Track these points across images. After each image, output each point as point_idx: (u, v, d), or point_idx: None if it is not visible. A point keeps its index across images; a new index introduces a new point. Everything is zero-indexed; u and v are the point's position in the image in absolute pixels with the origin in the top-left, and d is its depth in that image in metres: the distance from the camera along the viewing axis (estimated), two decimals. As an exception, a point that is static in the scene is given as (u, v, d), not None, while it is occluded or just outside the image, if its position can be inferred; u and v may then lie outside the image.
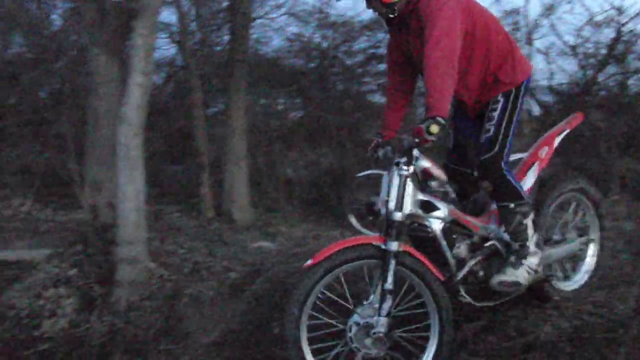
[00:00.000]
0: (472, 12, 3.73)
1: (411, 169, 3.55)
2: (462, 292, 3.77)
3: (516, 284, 3.76)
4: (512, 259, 3.81)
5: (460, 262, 3.77)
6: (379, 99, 11.59)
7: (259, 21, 10.81)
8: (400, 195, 3.51)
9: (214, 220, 8.08)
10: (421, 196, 3.64)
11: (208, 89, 10.84)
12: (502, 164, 3.75)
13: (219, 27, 12.44)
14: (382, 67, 11.30)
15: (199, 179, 8.43)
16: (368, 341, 3.41)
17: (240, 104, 8.16)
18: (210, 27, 11.54)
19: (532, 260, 3.82)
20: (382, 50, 11.20)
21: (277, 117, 11.94)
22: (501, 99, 3.83)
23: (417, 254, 3.55)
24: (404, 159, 3.55)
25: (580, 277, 4.38)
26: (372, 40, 11.51)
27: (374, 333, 3.38)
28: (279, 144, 10.20)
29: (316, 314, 3.48)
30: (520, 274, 3.77)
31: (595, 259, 4.41)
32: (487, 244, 3.88)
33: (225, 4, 12.14)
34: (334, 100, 11.07)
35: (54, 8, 14.26)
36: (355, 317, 3.47)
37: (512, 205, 3.78)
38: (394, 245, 3.43)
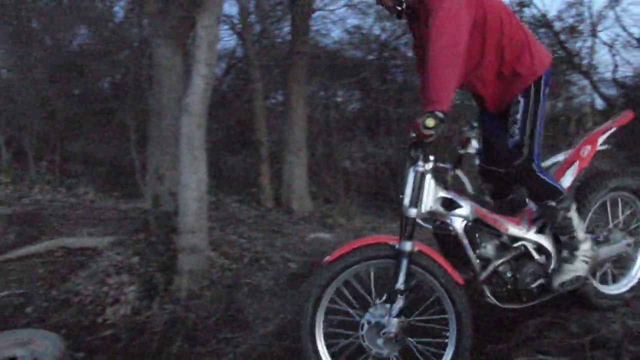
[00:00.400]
0: (482, 2, 3.57)
1: (429, 165, 3.45)
2: (487, 293, 3.67)
3: (578, 279, 3.67)
4: (565, 253, 3.74)
5: (486, 262, 3.65)
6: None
7: (318, 13, 10.82)
8: (415, 192, 3.43)
9: (272, 210, 8.12)
10: (443, 193, 3.55)
11: (268, 80, 10.90)
12: (534, 166, 3.65)
13: (279, 18, 12.50)
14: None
15: (259, 170, 8.48)
16: (379, 341, 3.38)
17: (300, 96, 8.17)
18: (270, 18, 11.58)
19: (585, 247, 3.72)
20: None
21: (335, 108, 11.93)
22: (521, 99, 3.68)
23: (433, 254, 3.48)
24: (420, 155, 3.44)
25: (628, 281, 4.19)
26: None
27: (384, 333, 3.35)
28: (337, 135, 10.19)
29: (336, 306, 3.47)
30: (578, 266, 3.69)
31: None
32: (516, 245, 3.75)
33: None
34: (394, 92, 11.02)
35: (117, 0, 14.50)
36: (368, 315, 3.44)
37: (552, 202, 3.67)
38: (407, 245, 3.36)
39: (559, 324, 3.88)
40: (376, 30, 12.12)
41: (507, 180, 3.95)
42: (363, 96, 12.22)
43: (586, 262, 3.68)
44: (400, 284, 3.33)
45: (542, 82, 3.69)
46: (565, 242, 3.74)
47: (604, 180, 4.02)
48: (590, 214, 3.94)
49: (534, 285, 3.69)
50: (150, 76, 10.09)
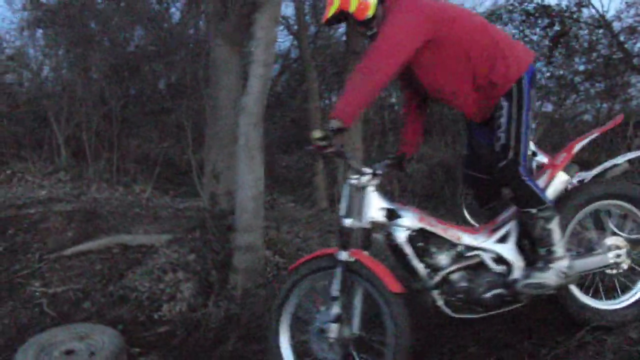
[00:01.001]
0: (444, 19, 3.60)
1: (365, 177, 3.56)
2: (439, 302, 3.66)
3: (542, 285, 3.59)
4: (540, 264, 3.64)
5: (436, 271, 3.64)
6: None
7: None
8: (349, 203, 3.55)
9: (327, 210, 8.12)
10: (385, 204, 3.63)
11: (321, 80, 10.92)
12: (520, 169, 3.58)
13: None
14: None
15: (313, 170, 8.49)
16: (324, 345, 3.51)
17: (355, 96, 8.17)
18: (318, 19, 11.61)
19: (562, 264, 3.60)
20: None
21: (390, 109, 11.92)
22: (505, 103, 3.64)
23: (371, 263, 3.52)
24: (354, 168, 3.59)
25: (630, 296, 3.83)
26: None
27: (326, 338, 3.49)
28: (392, 135, 10.17)
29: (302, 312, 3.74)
30: (548, 276, 3.60)
31: None
32: (471, 254, 3.72)
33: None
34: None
35: (173, 2, 14.67)
36: (316, 321, 3.60)
37: (534, 210, 3.60)
38: (342, 255, 3.47)
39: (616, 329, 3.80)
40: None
41: (490, 188, 3.97)
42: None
43: (559, 276, 3.60)
44: (335, 291, 3.48)
45: (524, 83, 3.65)
46: (541, 255, 3.65)
47: (586, 190, 3.82)
48: (572, 226, 3.78)
49: (488, 295, 3.65)
50: (206, 77, 10.23)
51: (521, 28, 11.28)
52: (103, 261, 6.22)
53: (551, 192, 3.73)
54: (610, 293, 3.85)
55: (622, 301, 3.81)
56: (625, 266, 3.76)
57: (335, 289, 3.49)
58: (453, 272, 3.65)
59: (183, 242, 5.80)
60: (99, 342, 4.42)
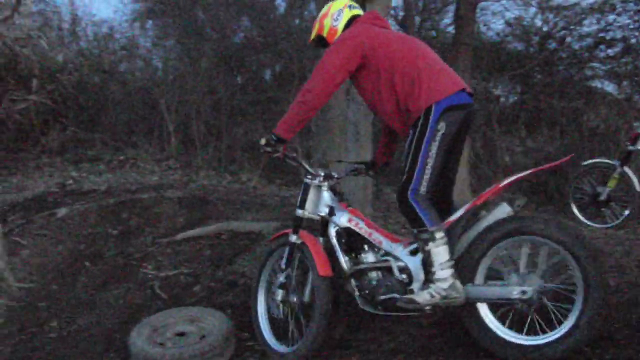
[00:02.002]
0: (375, 46, 4.06)
1: (318, 179, 4.40)
2: (355, 294, 4.24)
3: (412, 301, 3.91)
4: (422, 281, 3.97)
5: (356, 265, 4.26)
6: (605, 85, 11.19)
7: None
8: (302, 198, 4.41)
9: (431, 203, 8.08)
10: (330, 202, 4.39)
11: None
12: (408, 192, 3.90)
13: (439, 10, 12.40)
14: (611, 52, 10.87)
15: (419, 161, 8.45)
16: (275, 305, 4.51)
17: (463, 88, 8.07)
18: (431, 9, 11.51)
19: (440, 285, 3.84)
20: (612, 34, 10.77)
21: (496, 101, 11.73)
22: (411, 131, 3.94)
23: (312, 246, 4.33)
24: (307, 170, 4.43)
25: (554, 334, 3.67)
26: (602, 23, 11.07)
27: (274, 300, 4.51)
28: (497, 129, 10.01)
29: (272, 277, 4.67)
30: (421, 295, 3.89)
31: (575, 315, 3.62)
32: (384, 258, 4.17)
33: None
34: (557, 85, 10.71)
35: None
36: (272, 286, 4.58)
37: (415, 231, 3.92)
38: (292, 237, 4.40)
39: None
40: (538, 22, 11.85)
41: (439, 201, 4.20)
42: (524, 89, 11.95)
43: (432, 296, 3.84)
44: (283, 264, 4.46)
45: (432, 114, 3.86)
46: (426, 274, 3.94)
47: (505, 224, 3.81)
48: (489, 255, 3.86)
49: (384, 297, 4.05)
50: (312, 66, 10.28)
51: (636, 18, 10.91)
52: (212, 247, 6.37)
53: (491, 218, 3.89)
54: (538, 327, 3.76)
55: (540, 338, 3.72)
56: (536, 302, 3.75)
57: (283, 262, 4.46)
58: (370, 270, 4.20)
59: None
60: (209, 325, 4.52)
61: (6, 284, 5.82)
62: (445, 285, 3.84)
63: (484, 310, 3.91)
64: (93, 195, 8.36)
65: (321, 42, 4.52)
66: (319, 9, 6.68)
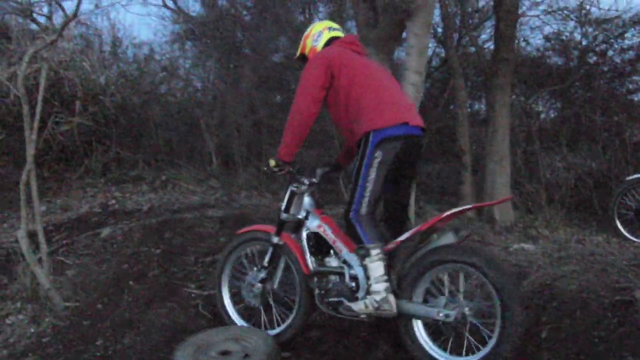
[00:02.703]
0: (340, 65, 4.54)
1: (302, 187, 4.89)
2: (315, 292, 4.76)
3: (349, 309, 4.49)
4: (363, 293, 4.51)
5: (320, 266, 4.80)
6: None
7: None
8: (288, 204, 4.96)
9: (474, 219, 8.02)
10: (308, 207, 4.93)
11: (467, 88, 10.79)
12: (350, 212, 4.46)
13: (476, 26, 12.36)
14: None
15: (461, 178, 8.40)
16: (251, 295, 5.12)
17: (504, 104, 8.01)
18: (469, 25, 11.48)
19: (374, 297, 4.32)
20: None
21: (536, 117, 11.64)
22: (356, 155, 4.50)
23: (293, 247, 4.94)
24: (294, 178, 4.92)
25: (480, 352, 4.09)
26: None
27: (252, 291, 5.11)
28: (538, 144, 9.92)
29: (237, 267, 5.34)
30: (357, 305, 4.43)
31: (496, 335, 3.99)
32: (341, 265, 4.70)
33: (488, 1, 12.07)
34: (598, 100, 10.60)
35: (316, 13, 14.86)
36: (249, 277, 5.16)
37: (356, 246, 4.48)
38: (275, 238, 4.97)
39: None
40: (577, 36, 11.77)
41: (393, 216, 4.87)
42: (564, 104, 11.86)
43: (367, 307, 4.36)
44: (265, 262, 5.05)
45: (370, 140, 4.37)
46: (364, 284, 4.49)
47: (438, 252, 4.29)
48: (427, 277, 4.31)
49: (333, 300, 4.62)
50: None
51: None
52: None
53: (434, 244, 4.38)
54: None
55: (463, 358, 4.18)
56: (459, 323, 4.16)
57: (266, 260, 5.05)
58: (330, 273, 4.73)
59: (332, 248, 5.87)
60: (253, 344, 4.52)
61: (52, 303, 5.90)
62: (378, 297, 4.31)
63: (418, 326, 4.35)
64: (136, 215, 8.44)
65: (304, 60, 5.00)
66: (360, 30, 6.78)
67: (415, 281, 4.33)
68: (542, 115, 12.35)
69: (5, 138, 10.18)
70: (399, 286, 4.41)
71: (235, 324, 5.24)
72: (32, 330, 5.73)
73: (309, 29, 5.22)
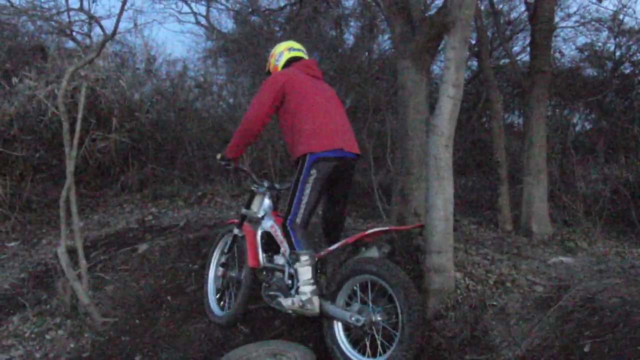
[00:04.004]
0: (292, 89, 5.18)
1: (261, 188, 5.79)
2: (263, 283, 5.50)
3: (278, 304, 5.16)
4: (293, 289, 5.11)
5: (269, 262, 5.52)
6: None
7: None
8: (249, 201, 5.86)
9: (511, 233, 7.95)
10: (266, 208, 5.72)
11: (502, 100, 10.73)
12: (287, 221, 5.07)
13: (509, 37, 12.32)
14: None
15: (497, 191, 8.33)
16: (217, 276, 6.11)
17: (540, 116, 7.94)
18: (504, 37, 11.43)
19: (300, 297, 4.88)
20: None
21: (572, 129, 11.55)
22: (299, 176, 5.05)
23: (249, 242, 5.63)
24: (254, 180, 5.88)
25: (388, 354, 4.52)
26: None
27: (217, 274, 6.11)
28: (574, 156, 9.82)
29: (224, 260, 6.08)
30: (286, 301, 5.03)
31: (397, 341, 4.49)
32: (283, 264, 5.35)
33: (521, 12, 12.03)
34: (635, 110, 10.48)
35: (348, 27, 14.90)
36: (216, 261, 6.22)
37: (289, 251, 5.10)
38: (236, 230, 5.88)
39: None
40: (611, 46, 11.67)
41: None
42: (600, 115, 11.74)
43: (293, 304, 4.94)
44: (226, 249, 6.02)
45: (306, 161, 5.00)
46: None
47: (354, 264, 4.88)
48: (346, 285, 4.89)
49: (271, 293, 5.30)
50: (387, 99, 10.29)
51: None
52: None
53: (360, 256, 5.04)
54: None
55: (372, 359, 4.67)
56: (368, 327, 4.67)
57: (226, 248, 6.01)
58: (275, 269, 5.40)
59: (370, 263, 5.86)
60: (292, 359, 4.51)
61: (91, 318, 5.95)
62: (304, 298, 4.85)
63: (338, 328, 4.87)
64: (172, 231, 8.49)
65: (269, 75, 5.61)
66: (396, 44, 6.79)
67: (339, 286, 4.89)
68: (578, 127, 12.24)
69: (43, 155, 10.29)
70: (327, 289, 5.02)
71: (209, 307, 6.01)
72: (72, 345, 5.78)
73: (274, 49, 5.84)
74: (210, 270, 6.19)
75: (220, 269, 6.01)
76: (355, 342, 4.83)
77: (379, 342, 4.61)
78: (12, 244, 9.26)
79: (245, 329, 5.66)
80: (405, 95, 6.57)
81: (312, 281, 4.88)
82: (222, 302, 6.05)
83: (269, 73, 5.74)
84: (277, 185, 5.82)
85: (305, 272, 4.89)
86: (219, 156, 5.67)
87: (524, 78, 8.15)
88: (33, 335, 5.93)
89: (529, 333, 4.57)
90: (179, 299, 6.30)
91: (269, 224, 5.56)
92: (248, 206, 5.82)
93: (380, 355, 4.59)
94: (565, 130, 11.18)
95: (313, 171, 4.99)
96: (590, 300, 4.73)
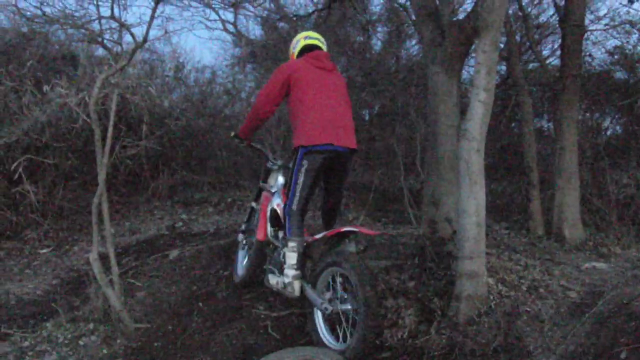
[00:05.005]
0: (296, 80, 5.52)
1: (275, 165, 6.29)
2: (268, 255, 5.99)
3: (267, 280, 5.79)
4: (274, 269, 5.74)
5: (274, 238, 5.90)
6: None
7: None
8: (264, 176, 6.44)
9: (543, 238, 7.88)
10: (279, 185, 6.08)
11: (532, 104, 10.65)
12: (285, 209, 5.53)
13: (537, 42, 12.22)
14: None
15: (528, 196, 8.27)
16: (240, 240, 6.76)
17: (571, 120, 7.87)
18: (532, 41, 11.35)
19: (284, 279, 5.44)
20: None
21: (603, 133, 11.44)
22: (295, 164, 5.45)
23: (261, 216, 6.12)
24: (268, 157, 6.47)
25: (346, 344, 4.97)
26: None
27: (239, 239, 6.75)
28: (606, 160, 9.73)
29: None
30: (272, 279, 5.68)
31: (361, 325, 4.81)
32: (282, 242, 5.66)
33: (550, 16, 11.94)
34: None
35: (375, 32, 14.89)
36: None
37: (280, 235, 5.72)
38: (253, 204, 6.57)
39: None
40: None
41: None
42: (632, 119, 11.61)
43: (277, 283, 5.57)
44: (245, 219, 6.75)
45: (299, 152, 5.37)
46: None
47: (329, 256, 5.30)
48: (324, 274, 5.27)
49: (269, 267, 5.82)
50: (416, 104, 10.27)
51: None
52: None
53: (340, 248, 5.39)
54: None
55: (342, 344, 5.05)
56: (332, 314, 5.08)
57: (246, 217, 6.66)
58: (277, 246, 5.81)
59: (402, 269, 5.81)
60: (324, 366, 4.50)
61: (123, 324, 5.97)
62: (286, 280, 5.38)
63: (318, 314, 5.24)
64: (203, 237, 8.54)
65: None
66: (426, 49, 6.78)
67: (319, 274, 5.28)
68: (609, 131, 12.12)
69: (74, 162, 10.38)
70: (312, 273, 5.41)
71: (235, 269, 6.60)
72: (105, 351, 5.80)
73: (295, 37, 6.18)
74: (240, 238, 6.72)
75: (241, 235, 6.66)
76: (333, 329, 5.21)
77: (347, 329, 5.02)
78: (45, 250, 9.36)
79: (277, 335, 5.64)
80: (436, 100, 6.55)
81: (296, 266, 5.36)
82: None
83: None
84: (290, 165, 5.88)
85: (291, 257, 5.39)
86: (232, 134, 6.21)
87: (555, 82, 8.10)
88: (67, 341, 5.96)
89: (564, 340, 4.51)
90: (211, 305, 6.30)
91: (276, 203, 5.92)
92: (265, 181, 6.31)
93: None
94: (597, 134, 11.07)
95: (304, 162, 5.38)
96: (625, 307, 4.67)
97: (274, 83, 5.61)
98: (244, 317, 5.99)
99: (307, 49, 5.91)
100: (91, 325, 6.16)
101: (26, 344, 6.01)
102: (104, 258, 6.32)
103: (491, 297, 4.98)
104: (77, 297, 7.07)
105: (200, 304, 6.34)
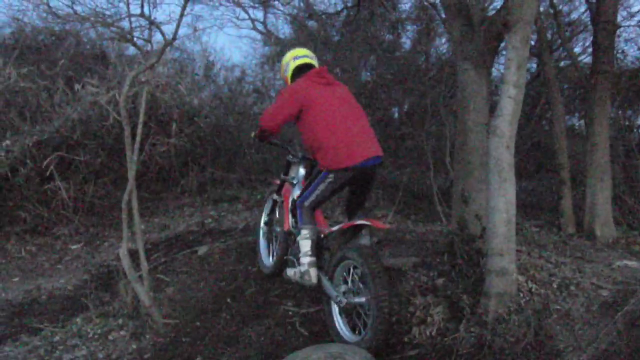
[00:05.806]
0: (310, 104, 5.44)
1: (296, 159, 6.29)
2: (290, 244, 6.06)
3: (286, 273, 5.82)
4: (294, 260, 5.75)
5: (293, 228, 5.89)
6: None
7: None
8: (286, 169, 6.39)
9: (574, 236, 7.80)
10: (299, 177, 6.17)
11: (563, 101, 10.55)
12: (297, 203, 5.68)
13: (569, 39, 12.11)
14: None
15: (560, 194, 8.20)
16: (261, 232, 6.99)
17: (603, 118, 7.80)
18: (564, 38, 11.25)
19: (299, 268, 5.51)
20: None
21: (633, 129, 11.31)
22: (320, 172, 5.48)
23: (285, 208, 6.17)
24: (290, 152, 6.42)
25: (361, 337, 5.01)
26: None
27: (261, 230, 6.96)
28: (638, 158, 9.62)
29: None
30: (289, 270, 5.73)
31: (374, 317, 4.83)
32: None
33: (581, 13, 11.83)
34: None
35: (404, 31, 14.85)
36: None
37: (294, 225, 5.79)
38: (274, 196, 6.67)
39: None
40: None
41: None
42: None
43: (294, 274, 5.61)
44: (267, 211, 6.89)
45: (330, 174, 5.38)
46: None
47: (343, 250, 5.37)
48: (341, 266, 5.32)
49: (289, 257, 5.91)
50: (446, 101, 10.23)
51: None
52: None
53: (356, 241, 5.44)
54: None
55: (356, 337, 5.09)
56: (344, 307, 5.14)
57: (269, 209, 6.82)
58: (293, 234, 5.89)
59: (431, 266, 5.79)
60: (353, 363, 4.48)
61: (152, 320, 5.99)
62: (302, 269, 5.45)
63: (334, 306, 5.27)
64: (232, 234, 8.56)
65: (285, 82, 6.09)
66: (456, 45, 6.74)
67: (335, 266, 5.34)
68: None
69: (105, 159, 10.46)
70: (329, 264, 5.46)
71: (261, 257, 6.78)
72: (134, 346, 5.83)
73: (283, 58, 6.16)
74: (260, 229, 6.92)
75: (265, 227, 6.84)
76: (352, 322, 5.23)
77: (363, 322, 5.04)
78: (75, 246, 9.45)
79: (304, 331, 5.64)
80: (466, 97, 6.52)
81: (310, 253, 5.44)
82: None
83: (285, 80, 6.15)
84: (309, 157, 6.08)
85: (304, 244, 5.47)
86: (252, 134, 6.30)
87: (586, 79, 8.01)
88: (96, 336, 6.01)
89: (595, 339, 4.46)
90: (239, 301, 6.31)
91: (296, 194, 5.94)
92: (286, 173, 6.34)
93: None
94: (629, 132, 10.95)
95: (330, 176, 5.41)
96: (659, 306, 4.62)
97: (282, 106, 5.58)
98: (272, 313, 6.01)
99: (300, 69, 5.88)
100: (120, 321, 6.20)
101: (56, 338, 6.07)
102: (133, 254, 6.37)
103: (521, 295, 4.93)
104: (107, 293, 7.12)
105: (229, 300, 6.35)
